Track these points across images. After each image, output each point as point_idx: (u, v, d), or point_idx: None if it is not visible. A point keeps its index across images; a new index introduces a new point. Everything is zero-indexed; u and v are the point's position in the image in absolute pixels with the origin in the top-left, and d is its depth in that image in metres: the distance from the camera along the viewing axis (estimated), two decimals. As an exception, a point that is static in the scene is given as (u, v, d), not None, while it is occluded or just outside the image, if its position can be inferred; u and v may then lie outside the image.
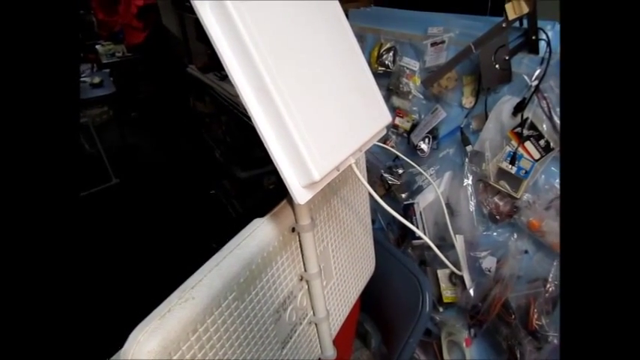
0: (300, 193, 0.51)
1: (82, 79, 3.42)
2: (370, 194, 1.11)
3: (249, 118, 1.60)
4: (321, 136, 0.52)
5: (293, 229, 0.72)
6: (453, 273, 1.19)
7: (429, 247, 1.24)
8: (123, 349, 0.48)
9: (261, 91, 0.47)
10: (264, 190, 2.03)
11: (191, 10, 2.21)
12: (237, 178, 2.30)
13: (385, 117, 0.68)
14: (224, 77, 2.17)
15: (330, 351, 0.87)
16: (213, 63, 2.40)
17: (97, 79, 3.31)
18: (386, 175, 1.31)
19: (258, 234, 0.66)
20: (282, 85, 0.47)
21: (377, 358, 1.44)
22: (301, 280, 0.77)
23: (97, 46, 4.04)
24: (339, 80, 0.59)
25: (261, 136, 0.49)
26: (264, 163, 2.01)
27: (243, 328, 0.62)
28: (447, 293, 1.21)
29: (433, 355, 1.35)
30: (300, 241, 0.74)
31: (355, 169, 0.61)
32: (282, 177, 0.50)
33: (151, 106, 4.15)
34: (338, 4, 0.63)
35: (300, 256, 0.76)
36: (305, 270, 0.76)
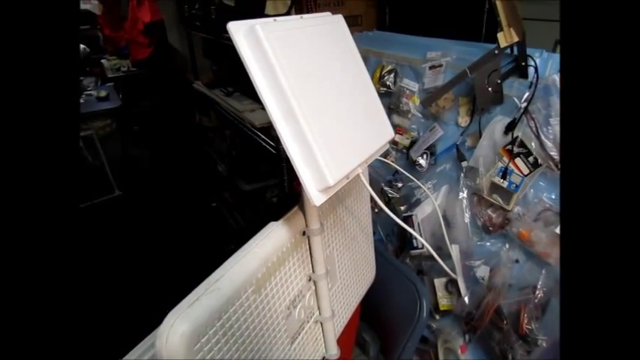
0: (317, 196, 0.59)
1: (88, 92, 3.51)
2: (372, 203, 1.19)
3: (254, 132, 1.68)
4: (335, 149, 0.60)
5: (304, 233, 0.79)
6: (449, 282, 1.26)
7: (427, 257, 1.32)
8: (158, 331, 0.55)
9: (288, 112, 0.55)
10: (267, 203, 2.10)
11: (199, 29, 2.31)
12: (239, 192, 2.37)
13: (388, 133, 0.76)
14: (230, 93, 2.25)
15: (334, 350, 0.93)
16: (219, 79, 2.49)
17: (103, 93, 3.40)
18: (386, 188, 1.39)
19: (274, 235, 0.73)
20: (304, 107, 0.55)
21: (375, 365, 1.49)
22: (309, 280, 0.84)
23: (103, 60, 4.14)
24: (350, 101, 0.68)
25: (285, 148, 0.57)
26: (268, 177, 2.09)
27: (259, 320, 0.69)
28: (443, 301, 1.27)
29: (429, 363, 1.40)
30: (309, 244, 0.81)
31: (362, 177, 0.69)
32: (301, 182, 0.58)
33: (154, 120, 4.24)
34: (350, 35, 0.72)
35: (309, 258, 0.82)
36: (313, 271, 0.83)
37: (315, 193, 0.58)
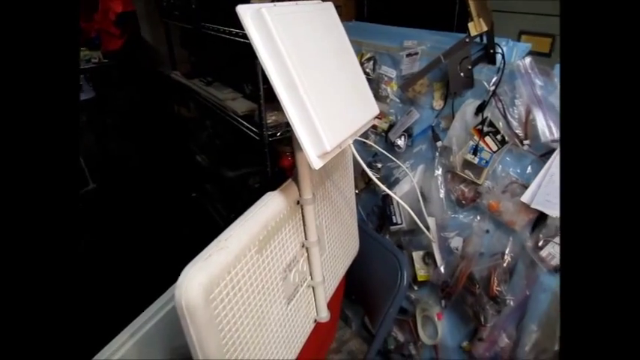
0: (316, 161, 0.66)
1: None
2: (355, 179, 1.27)
3: (237, 120, 1.73)
4: (331, 120, 0.68)
5: (298, 202, 0.87)
6: (425, 254, 1.36)
7: (405, 233, 1.41)
8: (177, 282, 0.61)
9: (290, 86, 0.62)
10: (249, 189, 2.15)
11: (178, 19, 2.32)
12: (221, 180, 2.41)
13: (374, 109, 0.85)
14: (210, 83, 2.28)
15: (324, 313, 1.01)
16: (198, 69, 2.51)
17: (76, 84, 3.33)
18: (367, 169, 1.47)
19: (272, 203, 0.80)
20: (304, 81, 0.63)
21: (358, 336, 1.59)
22: (302, 247, 0.91)
23: (73, 52, 4.03)
24: (341, 79, 0.75)
25: (288, 119, 0.64)
26: (250, 164, 2.14)
27: (261, 278, 0.76)
28: (421, 272, 1.37)
29: (409, 332, 1.50)
30: (302, 213, 0.88)
31: (352, 147, 0.76)
32: (302, 149, 0.65)
33: (128, 112, 4.19)
34: (339, 21, 0.79)
35: (302, 227, 0.90)
36: (306, 238, 0.91)
37: (314, 158, 0.66)
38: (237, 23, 1.81)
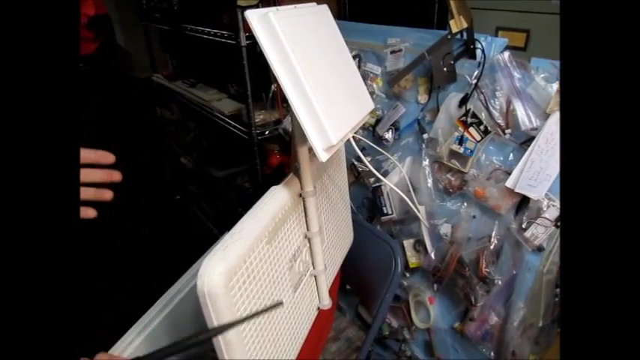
0: (323, 154, 0.71)
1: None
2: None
3: (223, 120, 1.76)
4: (334, 115, 0.73)
5: (300, 195, 0.91)
6: (416, 242, 1.43)
7: (396, 222, 1.47)
8: (199, 272, 0.65)
9: (297, 85, 0.67)
10: (238, 189, 2.17)
11: (158, 21, 2.31)
12: (208, 180, 2.42)
13: (370, 105, 0.90)
14: (194, 84, 2.30)
15: (326, 300, 1.06)
16: (180, 71, 2.52)
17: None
18: (356, 163, 1.53)
19: (277, 196, 0.85)
20: (310, 80, 0.67)
21: (353, 324, 1.64)
22: (305, 238, 0.96)
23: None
24: (340, 77, 0.80)
25: (296, 115, 0.68)
26: (238, 163, 2.16)
27: (271, 267, 0.80)
28: (413, 260, 1.43)
29: (402, 318, 1.57)
30: (304, 205, 0.93)
31: (352, 141, 0.81)
32: (310, 143, 0.69)
33: (104, 118, 4.12)
34: (334, 22, 0.84)
35: (304, 218, 0.95)
36: (308, 229, 0.95)
37: (321, 151, 0.71)
38: (221, 24, 1.83)
